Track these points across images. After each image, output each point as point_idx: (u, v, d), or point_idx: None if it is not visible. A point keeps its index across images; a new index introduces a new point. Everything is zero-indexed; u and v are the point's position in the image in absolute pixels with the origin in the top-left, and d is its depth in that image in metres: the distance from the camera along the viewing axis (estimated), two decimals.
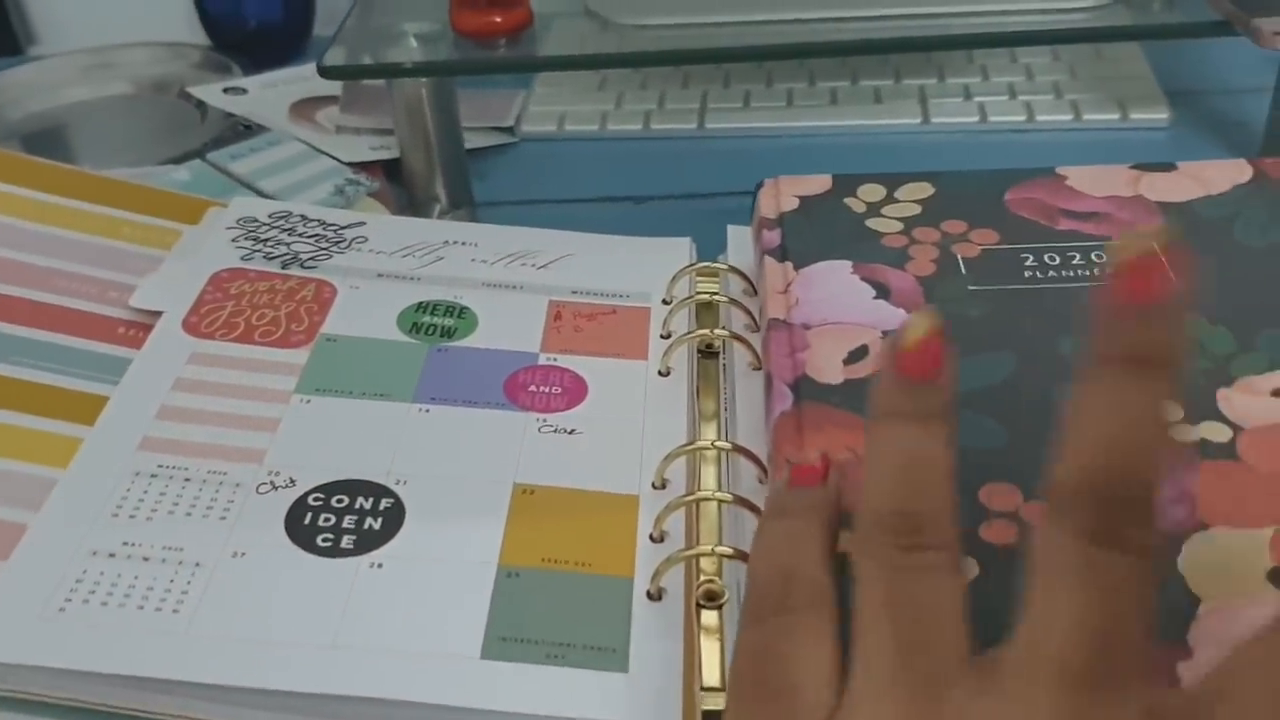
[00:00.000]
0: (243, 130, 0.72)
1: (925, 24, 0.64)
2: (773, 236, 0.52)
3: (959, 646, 0.30)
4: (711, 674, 0.39)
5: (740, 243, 0.57)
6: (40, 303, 0.52)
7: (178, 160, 0.69)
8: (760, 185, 0.56)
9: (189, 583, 0.40)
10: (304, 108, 0.76)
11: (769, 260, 0.51)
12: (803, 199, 0.54)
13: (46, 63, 0.85)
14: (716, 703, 0.38)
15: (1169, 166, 0.54)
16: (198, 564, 0.40)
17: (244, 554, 0.41)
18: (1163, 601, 0.34)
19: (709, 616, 0.41)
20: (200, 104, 0.79)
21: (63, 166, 0.60)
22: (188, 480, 0.43)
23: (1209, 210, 0.51)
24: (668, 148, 0.74)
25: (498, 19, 0.61)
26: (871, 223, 0.52)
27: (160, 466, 0.44)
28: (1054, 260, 0.49)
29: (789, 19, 0.65)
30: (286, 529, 0.42)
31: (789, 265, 0.50)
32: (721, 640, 0.40)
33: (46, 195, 0.57)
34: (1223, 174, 0.53)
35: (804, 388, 0.44)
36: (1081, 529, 0.28)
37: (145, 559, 0.40)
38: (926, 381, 0.32)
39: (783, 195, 0.54)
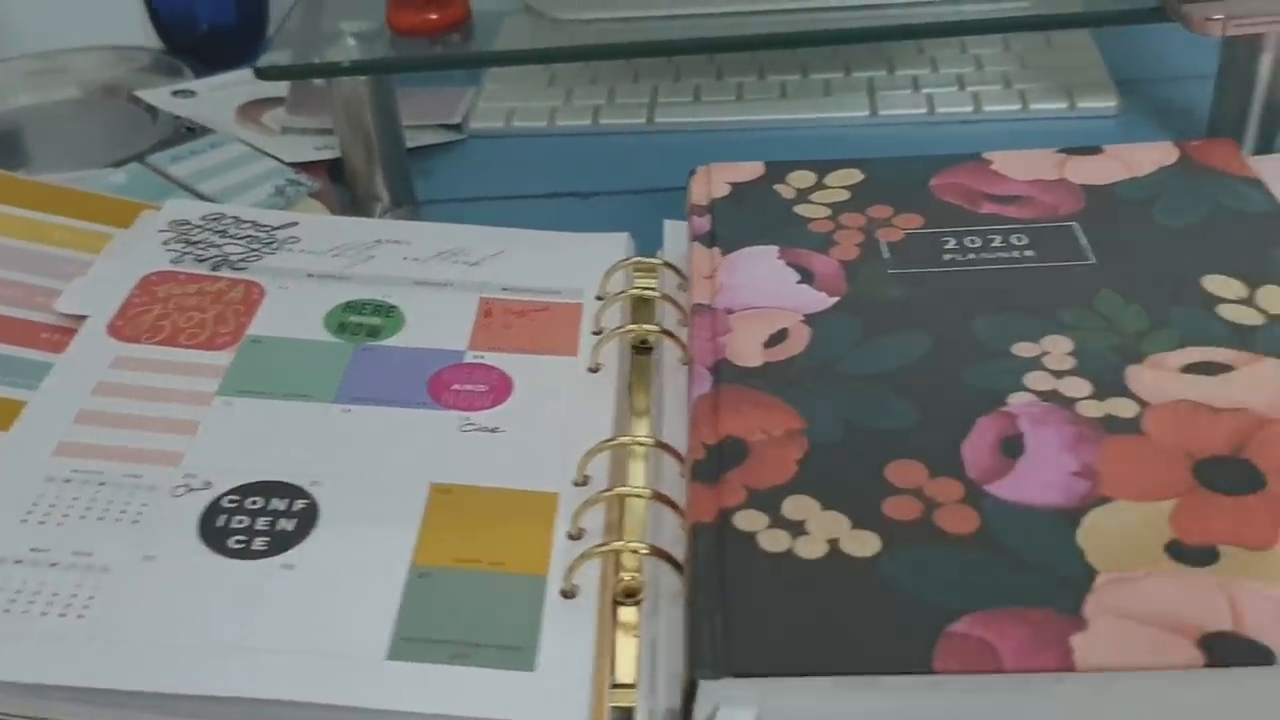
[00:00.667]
0: (185, 133, 0.72)
1: (869, 14, 0.64)
2: (702, 223, 0.52)
3: None
4: (626, 671, 0.38)
5: (677, 237, 0.56)
6: None
7: (122, 165, 0.68)
8: (693, 173, 0.56)
9: (97, 586, 0.39)
10: (251, 109, 0.76)
11: (697, 246, 0.51)
12: (734, 185, 0.54)
13: None
14: (629, 699, 0.37)
15: (1095, 150, 0.54)
16: (106, 568, 0.40)
17: (154, 557, 0.41)
18: (1059, 573, 0.34)
19: (627, 613, 0.40)
20: (150, 107, 0.78)
21: None
22: (102, 484, 0.43)
23: (1131, 192, 0.51)
24: (617, 142, 0.74)
25: (433, 16, 0.61)
26: (800, 209, 0.52)
27: (75, 471, 0.44)
28: (974, 243, 0.49)
29: (733, 12, 0.65)
30: (200, 531, 0.42)
31: (716, 251, 0.50)
32: (639, 637, 0.39)
33: None
34: (1148, 156, 0.53)
35: (724, 371, 0.44)
36: None
37: (53, 565, 0.40)
38: None
39: (714, 182, 0.54)
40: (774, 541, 0.37)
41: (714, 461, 0.40)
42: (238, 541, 0.41)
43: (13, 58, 0.85)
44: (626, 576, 0.41)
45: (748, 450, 0.40)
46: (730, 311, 0.46)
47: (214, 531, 0.41)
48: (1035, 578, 0.35)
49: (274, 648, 0.38)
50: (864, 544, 0.36)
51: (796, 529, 0.37)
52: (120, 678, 0.37)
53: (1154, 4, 0.58)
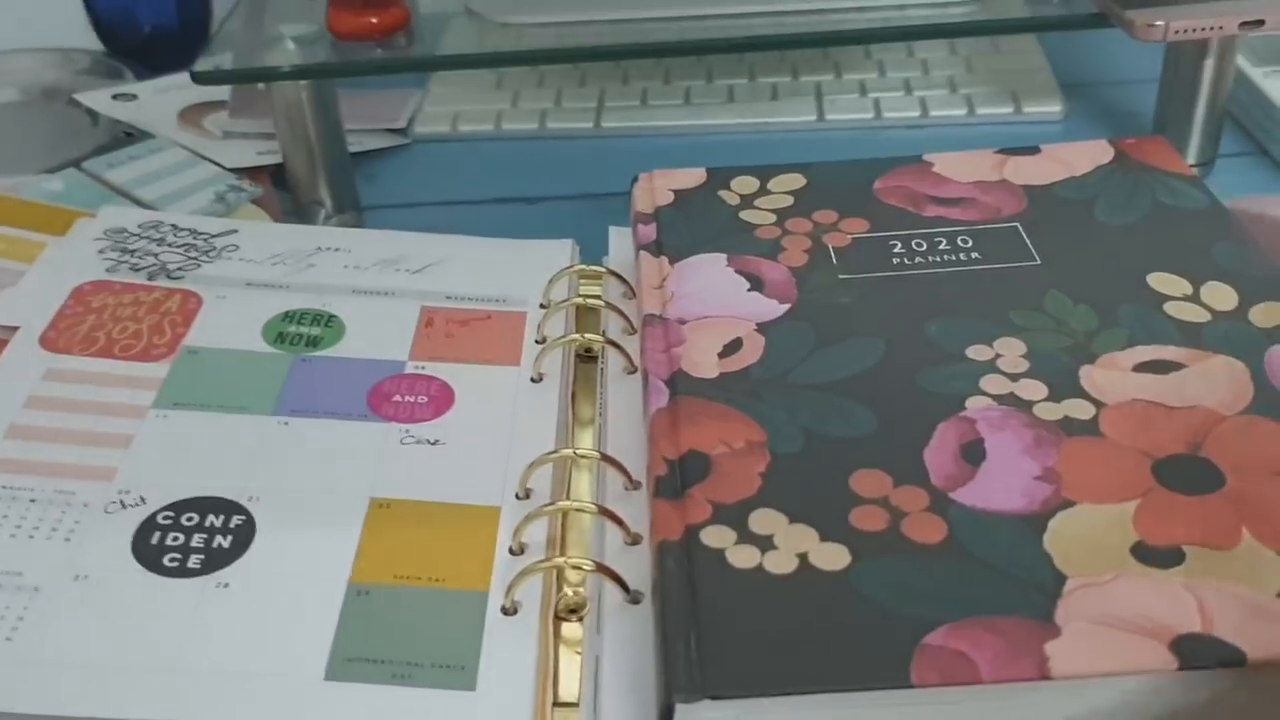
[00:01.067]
0: (124, 137, 0.71)
1: (816, 20, 0.64)
2: (648, 231, 0.52)
3: None
4: (569, 688, 0.38)
5: (622, 243, 0.56)
6: None
7: (60, 170, 0.67)
8: (635, 180, 0.55)
9: (25, 608, 0.38)
10: (193, 113, 0.75)
11: (644, 255, 0.50)
12: (677, 193, 0.54)
13: None
14: (572, 718, 0.37)
15: (1033, 150, 0.54)
16: (36, 588, 0.39)
17: (86, 576, 0.40)
18: (1029, 580, 0.34)
19: (570, 629, 0.40)
20: (91, 111, 0.77)
21: None
22: (33, 501, 0.42)
23: (1071, 191, 0.51)
24: (564, 147, 0.73)
25: (373, 19, 0.60)
26: (745, 215, 0.52)
27: (4, 488, 0.43)
28: (921, 246, 0.49)
29: (680, 16, 0.64)
30: (133, 549, 0.41)
31: (664, 260, 0.50)
32: (581, 653, 0.39)
33: None
34: (1085, 155, 0.53)
35: (680, 383, 0.43)
36: None
37: None
38: None
39: (657, 190, 0.54)
40: (743, 557, 0.36)
41: (676, 477, 0.39)
42: (172, 560, 0.40)
43: None
44: (569, 592, 0.41)
45: (710, 464, 0.39)
46: (683, 322, 0.46)
47: (148, 549, 0.41)
48: (1005, 585, 0.34)
49: (210, 669, 0.37)
50: (834, 557, 0.36)
51: (765, 543, 0.37)
52: (50, 702, 0.36)
53: (1094, 10, 0.59)
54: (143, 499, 0.43)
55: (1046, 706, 0.33)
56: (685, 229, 0.51)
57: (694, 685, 0.32)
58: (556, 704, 0.37)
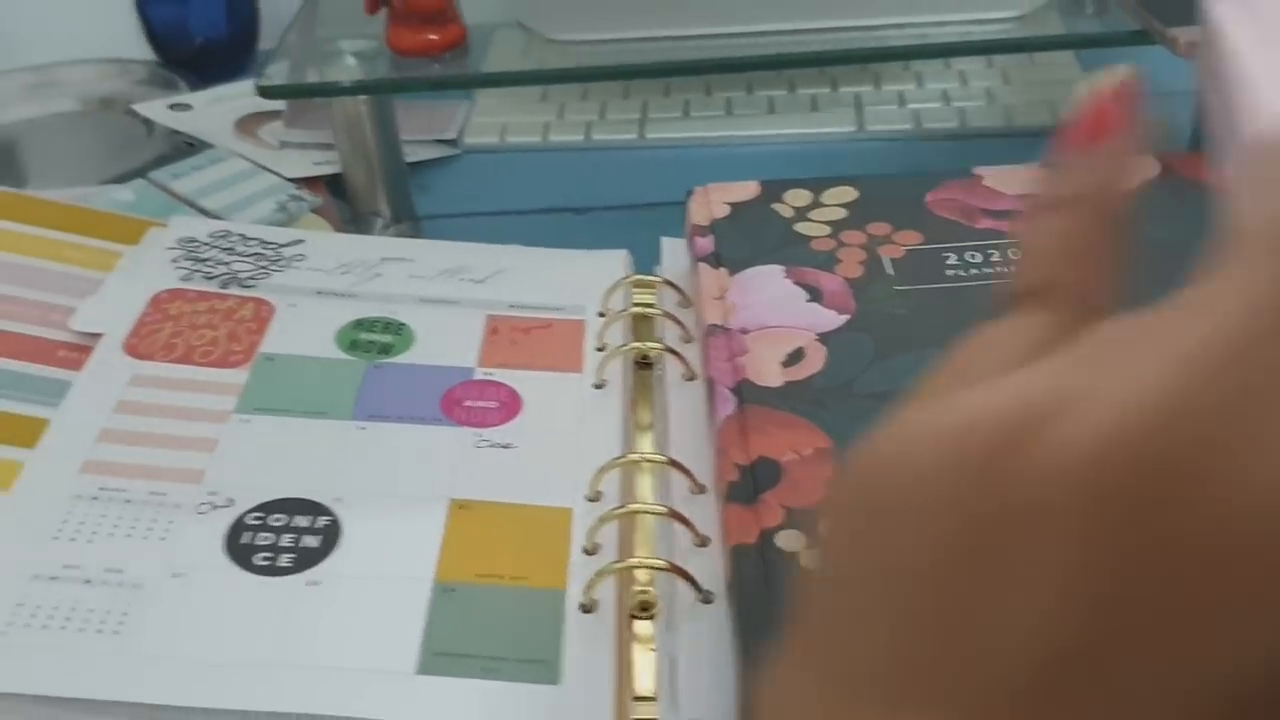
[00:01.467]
0: (186, 147, 0.73)
1: (858, 36, 0.66)
2: (706, 243, 0.53)
3: None
4: (645, 684, 0.40)
5: (675, 254, 0.58)
6: None
7: (122, 178, 0.69)
8: (691, 193, 0.57)
9: (129, 604, 0.40)
10: (249, 123, 0.77)
11: (703, 267, 0.52)
12: (733, 205, 0.55)
13: None
14: (649, 712, 0.39)
15: None
16: (137, 585, 0.41)
17: (183, 574, 0.42)
18: None
19: (642, 627, 0.42)
20: (147, 121, 0.79)
21: (4, 190, 0.60)
22: (128, 502, 0.44)
23: None
24: (609, 158, 0.75)
25: (432, 36, 0.62)
26: (800, 227, 0.54)
27: (101, 489, 0.45)
28: (975, 259, 0.50)
29: (724, 34, 0.66)
30: (225, 548, 0.43)
31: (723, 271, 0.51)
32: (655, 650, 0.41)
33: None
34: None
35: (746, 391, 0.45)
36: None
37: (86, 581, 0.41)
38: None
39: (713, 202, 0.56)
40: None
41: (749, 482, 0.41)
42: (263, 559, 0.42)
43: (10, 70, 0.85)
44: (640, 590, 0.42)
45: (781, 470, 0.41)
46: (745, 331, 0.48)
47: (239, 548, 0.43)
48: None
49: (306, 663, 0.39)
50: None
51: None
52: (161, 692, 0.38)
53: (1135, 27, 0.60)
54: (231, 500, 0.44)
55: None
56: (742, 241, 0.53)
57: None
58: (635, 698, 0.39)
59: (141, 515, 0.44)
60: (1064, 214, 0.27)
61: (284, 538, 0.43)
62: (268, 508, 0.44)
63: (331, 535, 0.43)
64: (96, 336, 0.52)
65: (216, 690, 0.38)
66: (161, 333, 0.52)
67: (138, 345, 0.51)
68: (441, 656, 0.39)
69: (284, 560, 0.42)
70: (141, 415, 0.48)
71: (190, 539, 0.43)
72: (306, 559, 0.42)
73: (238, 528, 0.43)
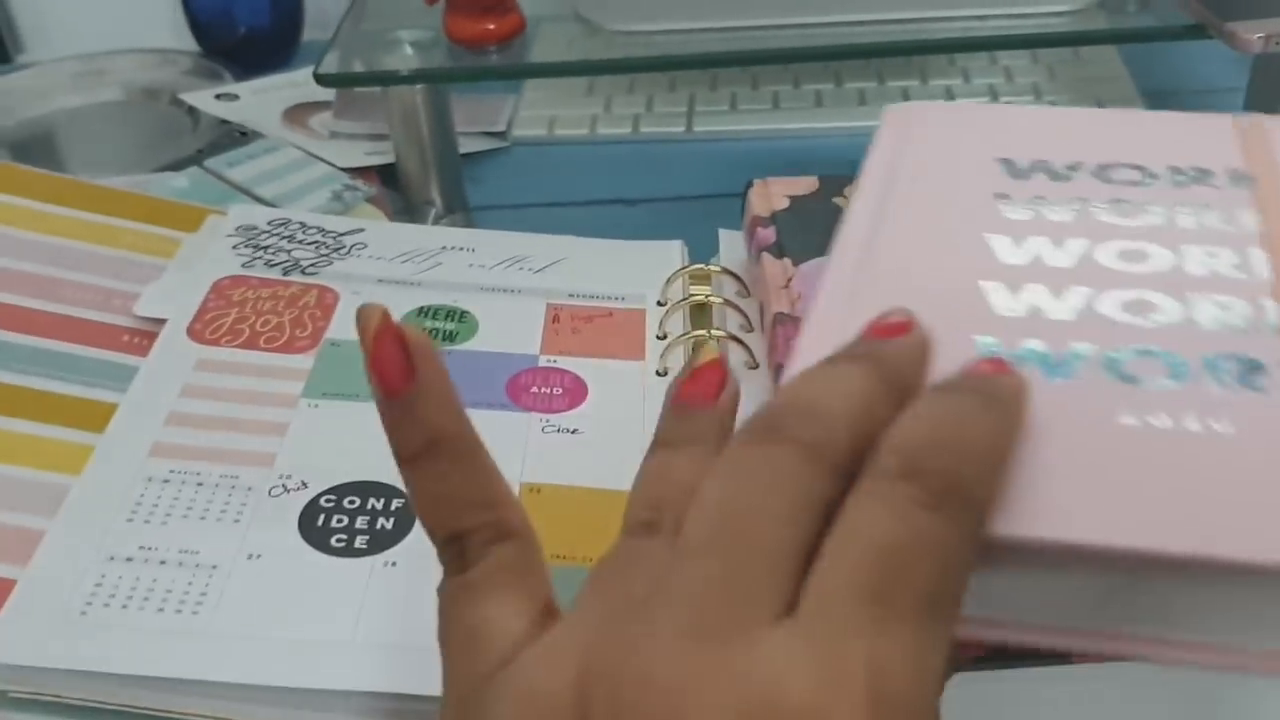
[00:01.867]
0: (239, 136, 0.73)
1: (906, 29, 0.66)
2: (768, 234, 0.54)
3: None
4: None
5: (731, 246, 0.58)
6: (45, 312, 0.53)
7: (172, 167, 0.69)
8: (750, 185, 0.57)
9: (207, 584, 0.41)
10: (297, 113, 0.77)
11: (767, 257, 0.52)
12: (792, 198, 0.55)
13: (37, 70, 0.86)
14: None
15: None
16: (214, 566, 0.41)
17: (259, 555, 0.42)
18: None
19: None
20: (192, 110, 0.79)
21: (64, 177, 0.61)
22: (200, 485, 0.44)
23: None
24: (657, 150, 0.75)
25: (491, 26, 0.62)
26: None
27: (172, 471, 0.45)
28: None
29: (775, 24, 0.66)
30: (300, 530, 0.43)
31: (787, 261, 0.52)
32: None
33: (49, 205, 0.58)
34: None
35: None
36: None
37: (162, 562, 0.41)
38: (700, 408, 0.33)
39: (773, 195, 0.56)
40: None
41: None
42: (339, 540, 0.42)
43: (57, 60, 0.86)
44: None
45: None
46: None
47: (315, 531, 0.43)
48: None
49: (387, 642, 0.39)
50: None
51: None
52: (243, 671, 0.38)
53: (1191, 21, 0.60)
54: (304, 483, 0.45)
55: None
56: (803, 233, 0.53)
57: None
58: None
59: (215, 498, 0.44)
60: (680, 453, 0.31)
61: (359, 520, 0.43)
62: (341, 490, 0.44)
63: (406, 518, 0.43)
64: (160, 322, 0.52)
65: (296, 670, 0.38)
66: (226, 319, 0.52)
67: (202, 331, 0.51)
68: None
69: (360, 541, 0.42)
70: (209, 399, 0.48)
71: (264, 521, 0.43)
72: (383, 540, 0.43)
73: (311, 510, 0.44)
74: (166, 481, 0.44)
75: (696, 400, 0.33)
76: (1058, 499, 0.26)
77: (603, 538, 0.43)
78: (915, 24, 0.66)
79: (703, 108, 0.77)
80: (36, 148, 0.80)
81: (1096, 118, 0.45)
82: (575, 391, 0.50)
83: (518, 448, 0.47)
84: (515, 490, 0.44)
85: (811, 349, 0.30)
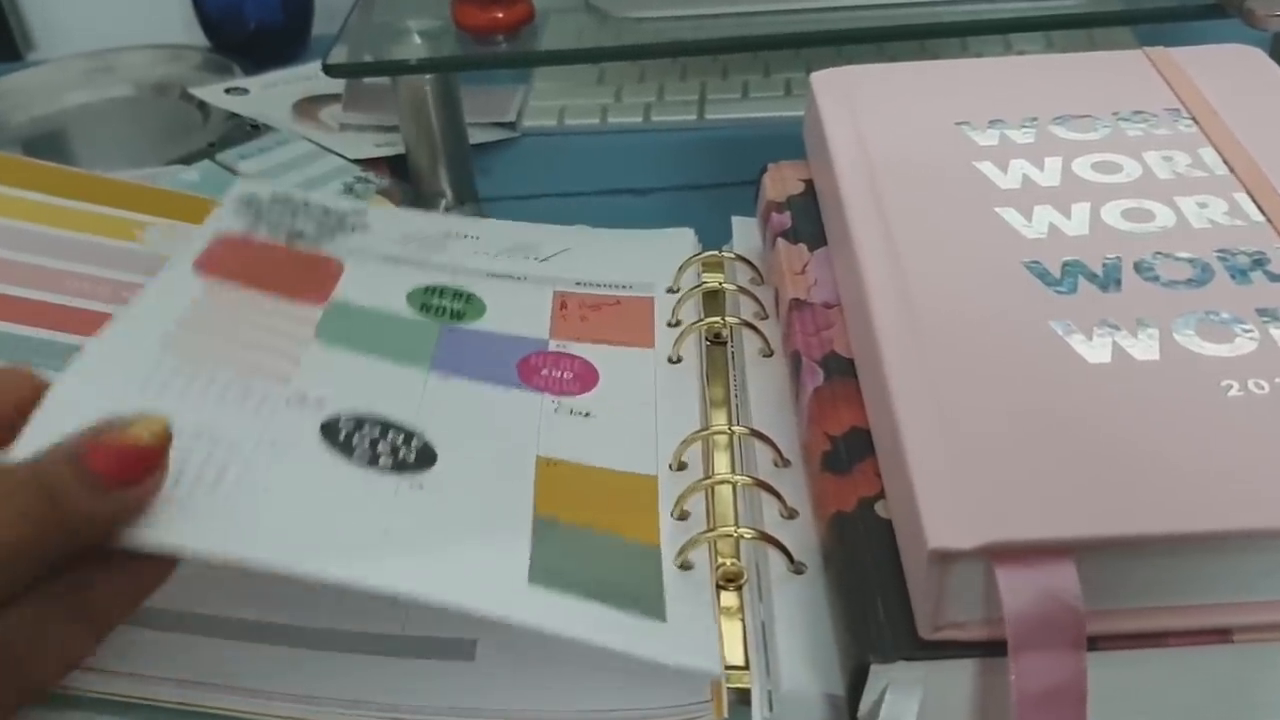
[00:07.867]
0: (250, 130, 0.73)
1: (919, 12, 0.65)
2: (782, 219, 0.53)
3: None
4: (734, 654, 0.39)
5: (745, 233, 0.57)
6: (55, 305, 0.52)
7: (183, 161, 0.69)
8: (764, 170, 0.57)
9: (226, 461, 0.39)
10: (307, 106, 0.77)
11: (782, 242, 0.52)
12: (807, 183, 0.55)
13: (48, 66, 0.86)
14: (741, 681, 0.38)
15: None
16: (234, 444, 0.39)
17: (279, 444, 0.40)
18: None
19: (729, 598, 0.41)
20: (202, 105, 0.79)
21: (75, 171, 0.61)
22: (212, 381, 0.42)
23: None
24: (668, 139, 0.75)
25: (500, 14, 0.62)
26: None
27: (184, 362, 0.42)
28: None
29: (785, 9, 0.66)
30: (323, 437, 0.41)
31: (803, 247, 0.51)
32: (742, 620, 0.40)
33: (61, 199, 0.57)
34: None
35: (833, 364, 0.44)
36: None
37: (178, 433, 0.37)
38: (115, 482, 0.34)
39: (787, 179, 0.55)
40: None
41: (842, 452, 0.41)
42: (363, 452, 0.41)
43: (67, 56, 0.86)
44: (726, 562, 0.42)
45: (873, 441, 0.41)
46: (829, 306, 0.47)
47: (338, 441, 0.41)
48: None
49: (419, 547, 0.38)
50: None
51: None
52: (264, 554, 0.36)
53: (1210, 1, 0.60)
54: (322, 400, 0.43)
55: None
56: (818, 217, 0.52)
57: (888, 648, 0.34)
58: (727, 668, 0.39)
59: (229, 391, 0.42)
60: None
61: (382, 444, 0.42)
62: (360, 418, 0.43)
63: (427, 456, 0.42)
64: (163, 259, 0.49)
65: (325, 562, 0.36)
66: (231, 263, 0.49)
67: (207, 263, 0.49)
68: (550, 572, 0.38)
69: (384, 461, 0.41)
70: (218, 322, 0.45)
71: (284, 422, 0.41)
72: (406, 467, 0.41)
73: (332, 425, 0.42)
74: (177, 371, 0.42)
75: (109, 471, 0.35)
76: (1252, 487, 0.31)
77: (623, 513, 0.43)
78: (927, 7, 0.65)
79: (714, 96, 0.76)
80: (49, 144, 0.80)
81: (1022, 68, 0.53)
82: (586, 376, 0.49)
83: (532, 423, 0.46)
84: (532, 460, 0.44)
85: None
